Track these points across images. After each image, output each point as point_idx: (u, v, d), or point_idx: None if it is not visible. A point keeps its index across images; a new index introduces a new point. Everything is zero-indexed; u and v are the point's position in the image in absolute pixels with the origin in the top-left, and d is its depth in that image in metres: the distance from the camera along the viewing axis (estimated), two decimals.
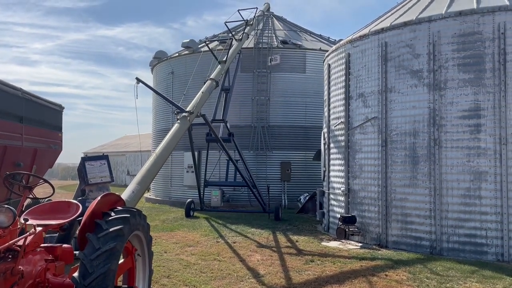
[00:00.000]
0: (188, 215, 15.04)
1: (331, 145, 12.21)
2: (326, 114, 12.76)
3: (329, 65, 12.54)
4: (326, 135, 12.66)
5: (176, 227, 12.63)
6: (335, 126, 11.86)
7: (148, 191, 22.15)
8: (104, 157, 9.00)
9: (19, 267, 3.60)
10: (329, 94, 12.47)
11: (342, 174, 11.35)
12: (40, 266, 3.94)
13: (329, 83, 12.51)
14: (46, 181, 4.90)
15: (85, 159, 8.94)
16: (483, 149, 8.80)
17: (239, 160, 15.40)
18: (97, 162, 8.63)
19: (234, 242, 10.37)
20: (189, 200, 15.65)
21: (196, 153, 14.43)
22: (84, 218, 3.95)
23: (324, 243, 10.37)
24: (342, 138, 11.38)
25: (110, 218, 3.86)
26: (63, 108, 12.91)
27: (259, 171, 18.08)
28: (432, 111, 9.36)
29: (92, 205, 4.02)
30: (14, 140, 9.30)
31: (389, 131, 10.06)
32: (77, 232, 4.01)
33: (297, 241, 10.56)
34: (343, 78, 11.41)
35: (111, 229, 3.70)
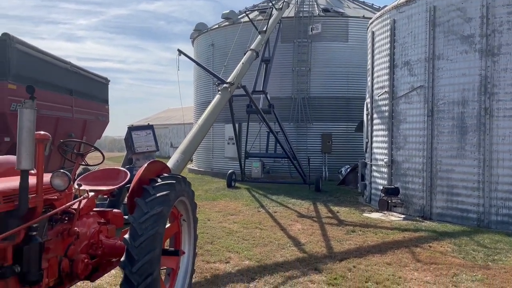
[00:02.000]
0: (229, 185, 15.36)
1: (374, 115, 11.92)
2: (369, 83, 12.41)
3: (373, 33, 12.10)
4: (369, 105, 12.36)
5: (218, 197, 12.94)
6: (378, 96, 11.53)
7: (190, 162, 22.71)
8: (149, 127, 9.26)
9: (75, 228, 3.82)
10: (372, 63, 12.09)
11: (385, 145, 11.11)
12: (93, 228, 4.17)
13: (372, 51, 12.11)
14: (96, 148, 5.12)
15: (132, 129, 9.24)
16: None
17: (279, 132, 15.39)
18: (143, 132, 8.91)
19: (275, 212, 10.51)
20: (230, 171, 15.95)
21: (236, 125, 14.56)
22: (132, 184, 4.11)
23: (365, 214, 10.30)
24: (386, 108, 11.07)
25: (157, 184, 3.99)
26: (109, 81, 13.34)
27: (299, 143, 18.02)
28: (484, 79, 8.88)
29: (139, 172, 4.16)
30: (65, 112, 9.76)
31: (435, 100, 9.66)
32: (126, 197, 4.19)
33: (338, 212, 10.55)
34: (388, 46, 10.99)
35: (158, 194, 3.83)
